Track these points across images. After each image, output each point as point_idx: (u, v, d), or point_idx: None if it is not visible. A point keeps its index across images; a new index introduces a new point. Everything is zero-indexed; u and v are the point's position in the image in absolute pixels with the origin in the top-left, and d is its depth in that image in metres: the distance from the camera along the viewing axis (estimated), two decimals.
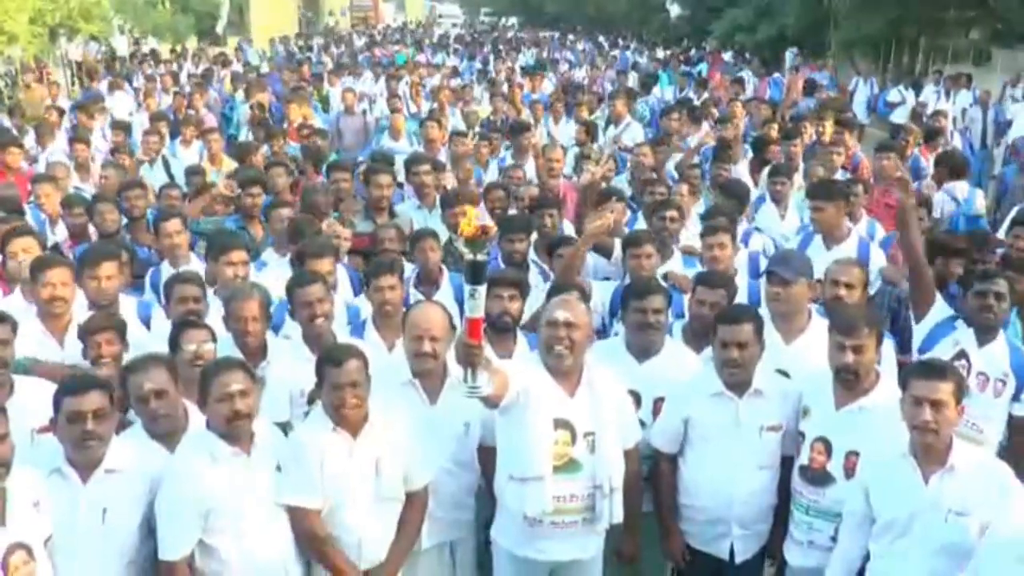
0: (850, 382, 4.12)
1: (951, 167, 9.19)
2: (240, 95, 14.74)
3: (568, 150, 9.78)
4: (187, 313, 4.95)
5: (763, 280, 5.03)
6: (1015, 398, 4.76)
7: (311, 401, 4.41)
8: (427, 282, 5.94)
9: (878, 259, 6.18)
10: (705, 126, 11.45)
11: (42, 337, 4.87)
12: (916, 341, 5.08)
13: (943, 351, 4.73)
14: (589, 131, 10.95)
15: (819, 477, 4.20)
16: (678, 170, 8.68)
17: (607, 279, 6.06)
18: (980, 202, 8.79)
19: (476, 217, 3.49)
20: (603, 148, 10.57)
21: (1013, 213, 7.84)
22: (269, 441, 3.99)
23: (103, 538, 3.73)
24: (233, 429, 3.83)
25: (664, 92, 16.45)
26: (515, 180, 8.15)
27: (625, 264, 5.85)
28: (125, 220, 7.01)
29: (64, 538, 3.62)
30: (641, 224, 6.83)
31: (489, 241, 3.42)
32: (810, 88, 16.63)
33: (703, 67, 22.98)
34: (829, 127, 10.03)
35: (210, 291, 5.44)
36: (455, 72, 20.53)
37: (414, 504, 4.18)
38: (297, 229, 6.25)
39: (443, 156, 9.61)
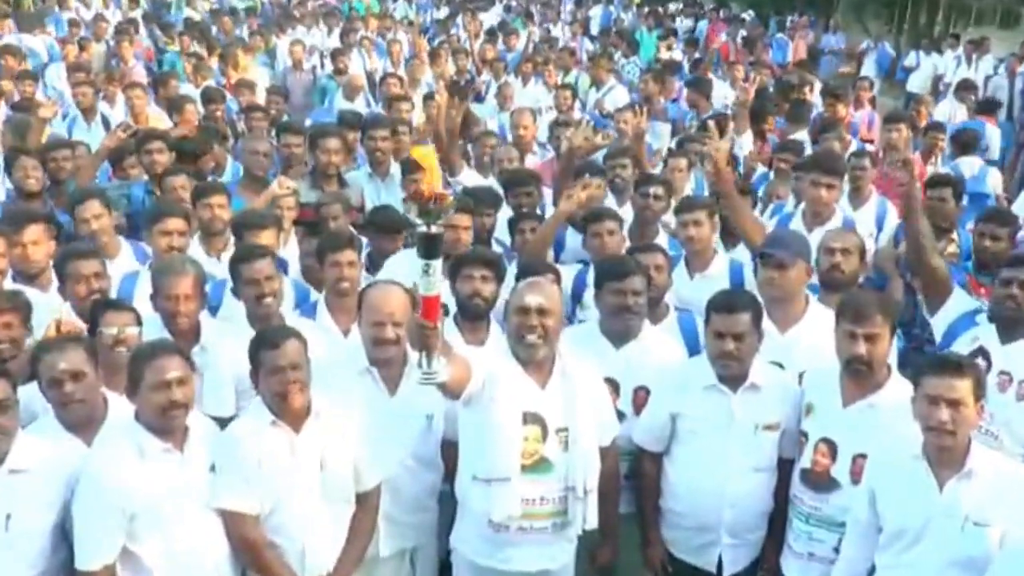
0: (862, 374, 4.07)
1: (959, 141, 9.16)
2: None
3: (540, 115, 9.65)
4: (89, 294, 4.76)
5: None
6: None
7: None
8: None
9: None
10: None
11: None
12: (936, 335, 5.05)
13: (962, 347, 4.67)
14: (575, 95, 10.81)
15: (823, 482, 4.15)
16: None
17: (583, 262, 5.91)
18: (994, 180, 8.75)
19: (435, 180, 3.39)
20: (584, 114, 10.45)
21: None
22: (204, 437, 3.90)
23: (7, 547, 3.60)
24: (168, 421, 3.73)
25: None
26: (489, 147, 7.92)
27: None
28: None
29: None
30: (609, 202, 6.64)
31: (445, 212, 3.31)
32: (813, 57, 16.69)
33: (692, 24, 22.83)
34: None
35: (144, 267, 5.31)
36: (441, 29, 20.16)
37: (365, 506, 4.12)
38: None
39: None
